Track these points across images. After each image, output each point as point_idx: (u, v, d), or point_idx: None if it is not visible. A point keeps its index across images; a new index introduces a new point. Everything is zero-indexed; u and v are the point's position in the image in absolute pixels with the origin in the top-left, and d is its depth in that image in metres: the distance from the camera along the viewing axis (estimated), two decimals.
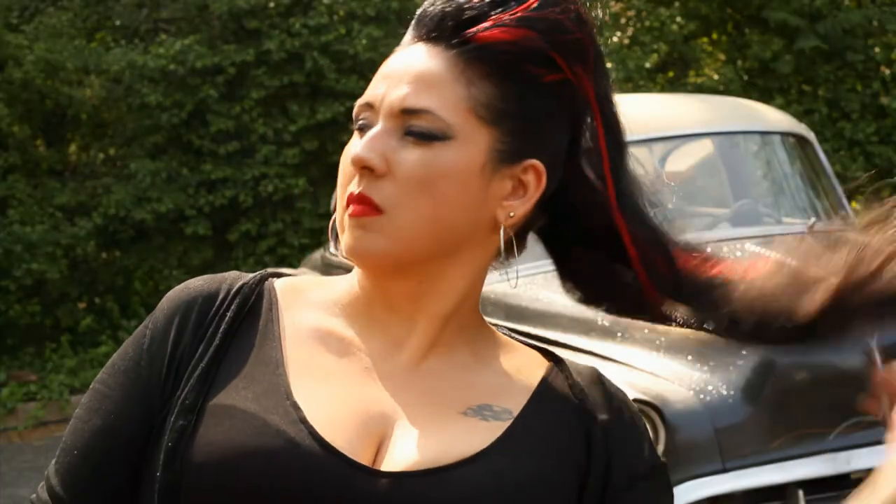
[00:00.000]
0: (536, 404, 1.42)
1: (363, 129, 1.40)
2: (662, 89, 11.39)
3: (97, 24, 11.26)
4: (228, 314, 1.42)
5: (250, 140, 10.36)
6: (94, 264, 10.31)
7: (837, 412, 4.42)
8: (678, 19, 11.68)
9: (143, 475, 1.37)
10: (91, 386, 1.44)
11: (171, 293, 1.45)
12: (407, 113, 1.37)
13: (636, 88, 10.94)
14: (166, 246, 10.39)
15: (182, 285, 1.46)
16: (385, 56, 1.48)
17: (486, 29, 1.38)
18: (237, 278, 1.47)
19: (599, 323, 4.77)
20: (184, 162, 10.38)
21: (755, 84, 11.35)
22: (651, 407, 4.35)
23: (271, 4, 10.58)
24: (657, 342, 4.66)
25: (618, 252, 1.46)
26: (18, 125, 10.33)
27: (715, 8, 11.69)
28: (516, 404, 1.42)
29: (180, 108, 10.27)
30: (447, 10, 1.40)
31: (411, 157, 1.36)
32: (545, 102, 1.41)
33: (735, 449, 4.34)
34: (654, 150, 6.10)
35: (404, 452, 1.34)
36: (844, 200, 6.14)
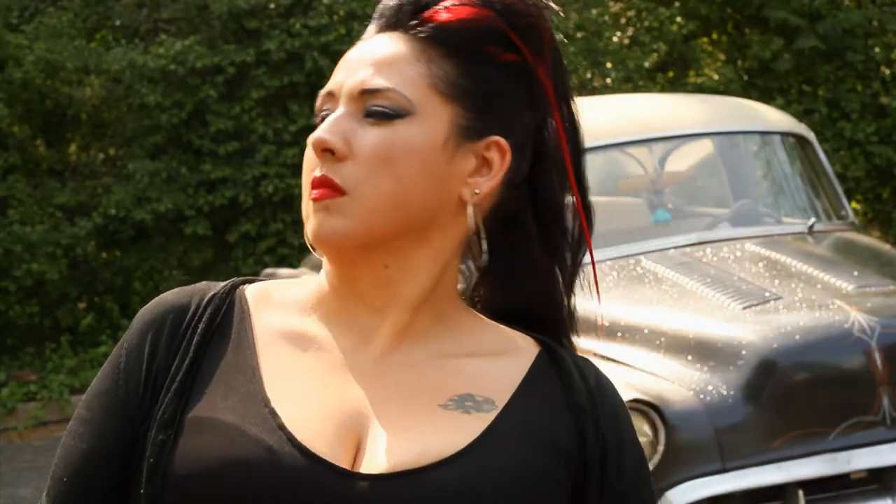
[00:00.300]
0: (524, 394, 1.40)
1: (325, 119, 1.40)
2: (662, 89, 11.39)
3: (97, 24, 11.26)
4: (200, 325, 1.42)
5: (250, 140, 10.36)
6: (93, 264, 10.31)
7: (837, 412, 4.42)
8: (678, 19, 11.69)
9: (130, 491, 1.37)
10: (75, 413, 1.44)
11: (142, 310, 1.45)
12: (366, 94, 1.37)
13: (636, 88, 10.94)
14: (166, 246, 10.39)
15: (153, 301, 1.46)
16: None
17: (444, 9, 1.40)
18: (207, 289, 1.46)
19: (599, 323, 4.78)
20: (183, 162, 10.38)
21: (755, 84, 11.35)
22: (651, 407, 4.35)
23: (271, 4, 10.58)
24: (657, 342, 4.66)
25: (558, 248, 1.46)
26: (18, 125, 10.33)
27: (715, 8, 11.69)
28: (502, 394, 1.39)
29: (180, 108, 10.27)
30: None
31: (372, 136, 1.36)
32: (505, 82, 1.41)
33: (735, 449, 4.34)
34: (654, 150, 6.10)
35: (382, 453, 1.33)
36: (844, 200, 6.14)
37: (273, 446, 1.31)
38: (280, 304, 1.45)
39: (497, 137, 1.41)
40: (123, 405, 1.40)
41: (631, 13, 11.80)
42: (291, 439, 1.32)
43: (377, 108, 1.37)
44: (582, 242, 1.47)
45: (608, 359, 4.59)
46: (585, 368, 1.45)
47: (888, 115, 11.16)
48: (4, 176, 10.26)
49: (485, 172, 1.41)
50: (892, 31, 11.26)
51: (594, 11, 11.25)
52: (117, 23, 11.18)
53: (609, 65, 11.32)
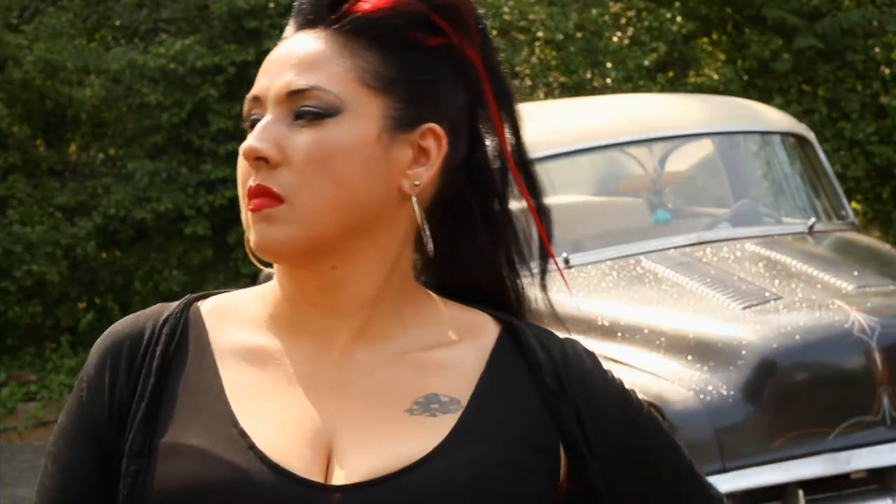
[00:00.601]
0: (489, 384, 1.38)
1: (254, 125, 1.37)
2: (662, 89, 11.39)
3: (97, 24, 11.26)
4: (158, 349, 1.39)
5: None
6: (93, 264, 10.31)
7: (837, 412, 4.42)
8: (678, 19, 11.68)
9: None
10: (46, 450, 1.43)
11: (97, 342, 1.43)
12: (293, 95, 1.34)
13: (636, 88, 10.94)
14: (166, 246, 10.39)
15: (106, 332, 1.43)
16: None
17: (363, 0, 1.37)
18: (161, 311, 1.43)
19: (599, 323, 4.78)
20: (183, 162, 10.38)
21: (755, 84, 11.35)
22: (651, 407, 4.35)
23: (271, 4, 10.58)
24: (657, 342, 4.66)
25: (504, 232, 1.44)
26: (18, 125, 10.33)
27: (715, 8, 11.68)
28: (465, 389, 1.37)
29: (180, 108, 10.27)
30: None
31: (304, 139, 1.33)
32: (433, 66, 1.38)
33: (735, 449, 4.34)
34: (654, 150, 6.10)
35: (353, 463, 1.32)
36: (844, 200, 6.14)
37: (244, 466, 1.31)
38: (236, 320, 1.42)
39: (431, 124, 1.38)
40: (92, 439, 1.39)
41: (631, 13, 11.80)
42: (262, 458, 1.31)
43: (306, 109, 1.34)
44: (529, 215, 1.45)
45: (608, 359, 4.59)
46: (548, 342, 1.42)
47: (888, 115, 11.15)
48: (4, 176, 10.26)
49: (423, 162, 1.38)
50: (892, 31, 11.25)
51: (594, 11, 11.25)
52: (117, 23, 11.17)
53: (609, 65, 11.32)
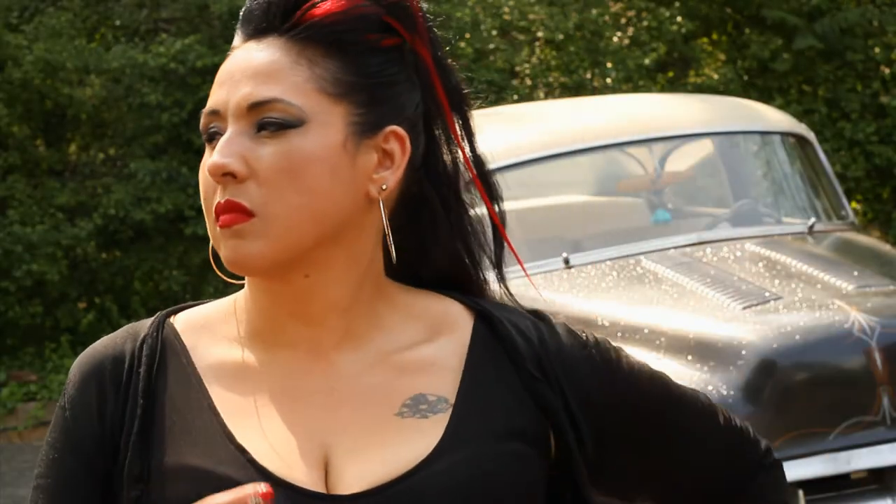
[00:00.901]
0: (471, 381, 1.39)
1: (213, 139, 1.37)
2: (662, 89, 11.39)
3: (97, 24, 11.26)
4: (142, 371, 1.37)
5: None
6: (94, 264, 10.31)
7: (837, 412, 4.42)
8: (678, 19, 11.68)
9: None
10: (33, 484, 1.40)
11: (76, 366, 1.40)
12: (255, 108, 1.34)
13: (636, 88, 10.94)
14: (166, 246, 10.39)
15: (83, 355, 1.40)
16: None
17: (314, 6, 1.36)
18: (137, 331, 1.41)
19: (599, 323, 4.78)
20: (184, 162, 10.38)
21: (755, 84, 11.35)
22: None
23: None
24: (657, 342, 4.66)
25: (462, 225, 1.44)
26: (18, 125, 10.33)
27: (715, 8, 11.69)
28: (450, 386, 1.38)
29: (180, 108, 10.27)
30: (272, 0, 1.37)
31: (269, 151, 1.33)
32: (389, 68, 1.38)
33: None
34: (654, 150, 6.10)
35: (354, 473, 1.32)
36: (844, 200, 6.14)
37: (248, 482, 1.30)
38: (215, 336, 1.41)
39: (394, 127, 1.37)
40: (85, 461, 1.36)
41: (631, 13, 11.80)
42: (265, 472, 1.31)
43: (269, 120, 1.33)
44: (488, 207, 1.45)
45: None
46: (522, 325, 1.43)
47: (888, 115, 11.15)
48: (4, 176, 10.26)
49: (388, 165, 1.37)
50: (892, 31, 11.25)
51: (594, 11, 11.25)
52: (117, 22, 11.17)
53: (609, 65, 11.32)
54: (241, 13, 1.40)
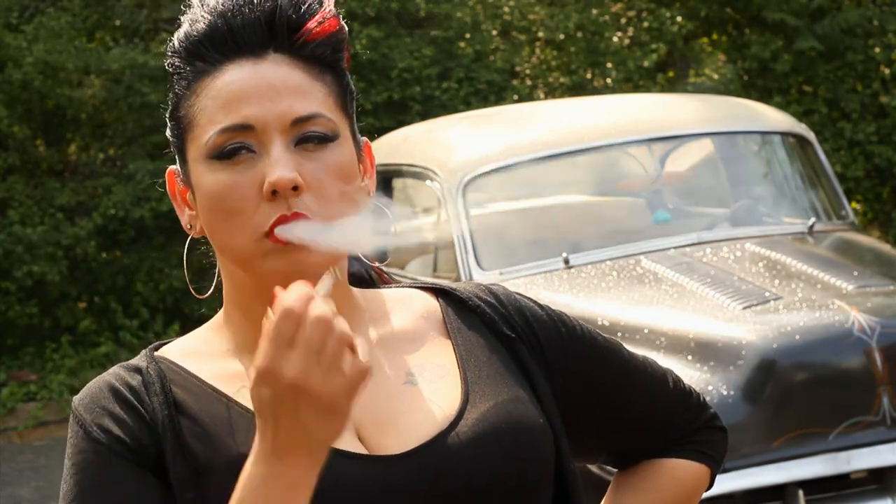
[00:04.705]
0: (462, 346, 1.47)
1: (235, 154, 1.37)
2: (662, 89, 11.40)
3: (97, 24, 11.26)
4: (156, 387, 1.39)
5: None
6: (94, 264, 10.31)
7: (837, 412, 4.42)
8: (678, 19, 11.69)
9: None
10: None
11: (79, 399, 1.40)
12: (298, 122, 1.37)
13: (636, 88, 10.94)
14: (166, 246, 10.39)
15: (87, 389, 1.41)
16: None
17: (319, 24, 1.41)
18: (129, 363, 1.43)
19: (599, 323, 4.78)
20: None
21: (755, 84, 11.35)
22: None
23: None
24: (657, 342, 4.66)
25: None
26: (18, 125, 10.33)
27: (715, 8, 11.69)
28: (446, 354, 1.46)
29: None
30: (280, 14, 1.40)
31: (318, 164, 1.37)
32: (348, 82, 1.45)
33: (735, 449, 4.34)
34: (654, 150, 6.10)
35: (392, 437, 1.37)
36: (844, 200, 6.15)
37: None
38: (213, 354, 1.44)
39: (364, 138, 1.48)
40: (133, 468, 1.35)
41: (631, 13, 11.80)
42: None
43: (312, 134, 1.37)
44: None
45: None
46: (482, 294, 1.52)
47: (888, 115, 11.16)
48: (4, 176, 10.26)
49: (369, 173, 1.47)
50: (892, 31, 11.25)
51: (594, 11, 11.26)
52: (117, 23, 11.18)
53: (609, 65, 11.32)
54: (225, 29, 1.40)
